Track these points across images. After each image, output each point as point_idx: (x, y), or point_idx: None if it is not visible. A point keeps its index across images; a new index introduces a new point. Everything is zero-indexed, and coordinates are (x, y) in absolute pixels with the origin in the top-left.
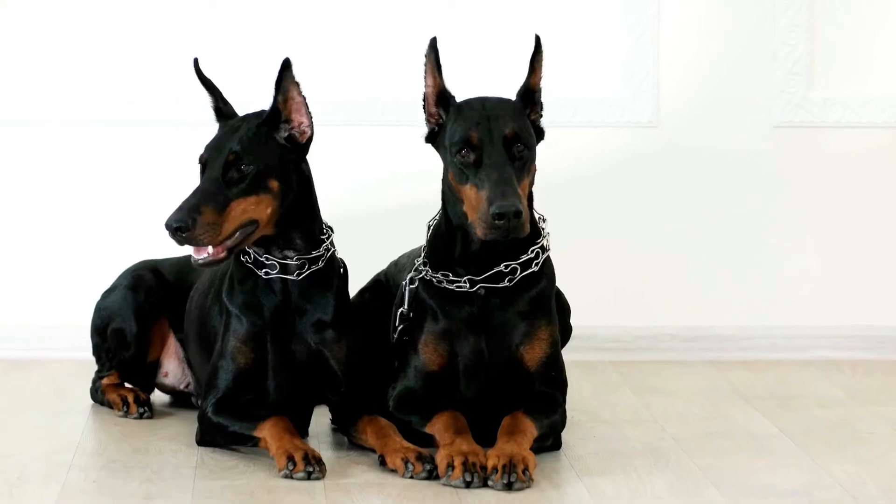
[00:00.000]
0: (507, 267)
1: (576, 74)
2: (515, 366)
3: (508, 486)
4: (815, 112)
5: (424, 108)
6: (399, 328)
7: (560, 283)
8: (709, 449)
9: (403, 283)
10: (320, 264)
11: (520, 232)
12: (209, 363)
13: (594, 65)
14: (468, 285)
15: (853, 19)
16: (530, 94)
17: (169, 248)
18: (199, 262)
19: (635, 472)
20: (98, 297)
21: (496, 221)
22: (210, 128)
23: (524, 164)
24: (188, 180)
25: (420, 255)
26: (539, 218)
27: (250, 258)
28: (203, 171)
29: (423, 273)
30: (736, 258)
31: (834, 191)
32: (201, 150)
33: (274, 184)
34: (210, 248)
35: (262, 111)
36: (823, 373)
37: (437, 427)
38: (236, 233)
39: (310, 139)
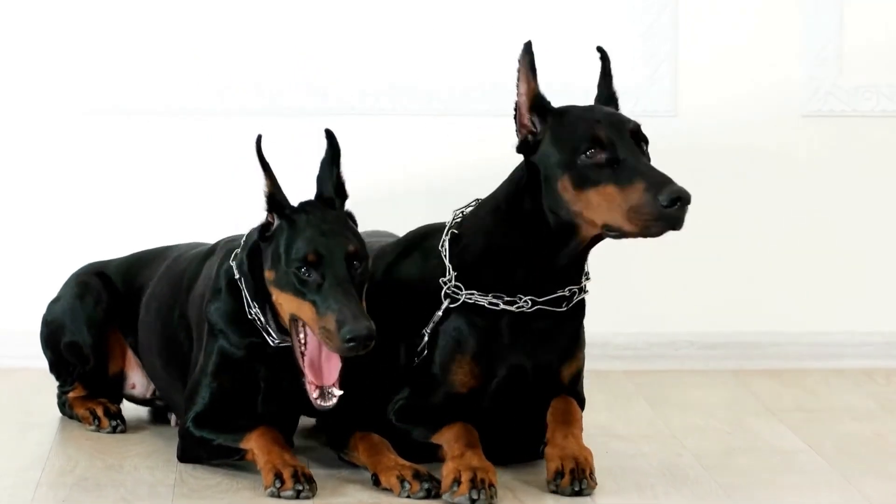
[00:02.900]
0: (570, 291)
1: (585, 58)
2: (553, 382)
3: (578, 493)
4: (846, 100)
5: (516, 118)
6: (423, 352)
7: None
8: (731, 466)
9: (441, 312)
10: None
11: (681, 223)
12: (188, 379)
13: (606, 47)
14: (529, 304)
15: None
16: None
17: (131, 246)
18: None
19: (651, 490)
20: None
21: (668, 209)
22: (164, 126)
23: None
24: (152, 179)
25: (446, 271)
26: None
27: (260, 323)
28: (315, 269)
29: (464, 296)
30: (759, 258)
31: (867, 186)
32: (300, 247)
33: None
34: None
35: (313, 201)
36: (855, 383)
37: (447, 437)
38: None
39: None
